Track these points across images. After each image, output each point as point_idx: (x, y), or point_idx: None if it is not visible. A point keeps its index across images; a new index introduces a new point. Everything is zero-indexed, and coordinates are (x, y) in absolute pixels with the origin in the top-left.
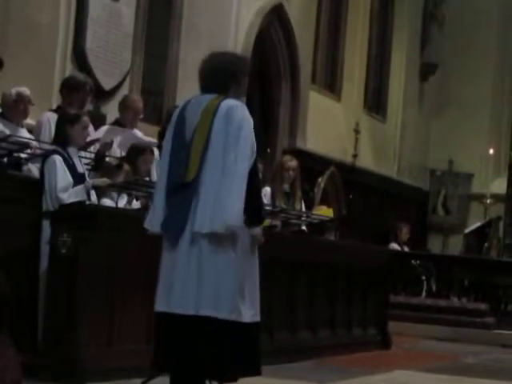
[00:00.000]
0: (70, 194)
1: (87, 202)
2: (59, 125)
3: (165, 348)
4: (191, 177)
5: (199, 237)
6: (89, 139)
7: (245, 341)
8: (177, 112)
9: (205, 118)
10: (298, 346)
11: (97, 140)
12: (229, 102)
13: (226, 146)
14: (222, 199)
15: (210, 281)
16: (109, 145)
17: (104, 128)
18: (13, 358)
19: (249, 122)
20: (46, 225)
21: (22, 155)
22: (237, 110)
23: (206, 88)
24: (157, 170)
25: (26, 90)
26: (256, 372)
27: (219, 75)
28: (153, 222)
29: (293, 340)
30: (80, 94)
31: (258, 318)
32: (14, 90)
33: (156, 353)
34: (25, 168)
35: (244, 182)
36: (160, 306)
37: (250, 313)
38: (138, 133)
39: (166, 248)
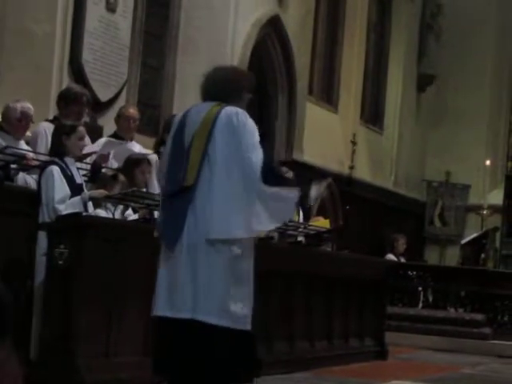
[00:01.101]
0: (67, 206)
1: (84, 214)
2: (55, 136)
3: (162, 352)
4: (190, 182)
5: (195, 243)
6: (86, 150)
7: (238, 347)
8: (177, 119)
9: (205, 124)
10: (296, 356)
11: (94, 152)
12: (229, 109)
13: (227, 155)
14: (220, 209)
15: (204, 286)
16: (105, 157)
17: (102, 140)
18: (15, 367)
19: (250, 128)
20: (43, 236)
21: (13, 166)
22: (237, 117)
23: (207, 99)
24: (158, 180)
25: (30, 109)
26: (247, 379)
27: (222, 87)
28: (157, 228)
29: (290, 351)
30: (77, 106)
31: (249, 327)
32: (18, 106)
33: (155, 357)
34: (17, 178)
35: (247, 199)
36: (158, 310)
37: (242, 320)
38: (136, 146)
39: (162, 253)
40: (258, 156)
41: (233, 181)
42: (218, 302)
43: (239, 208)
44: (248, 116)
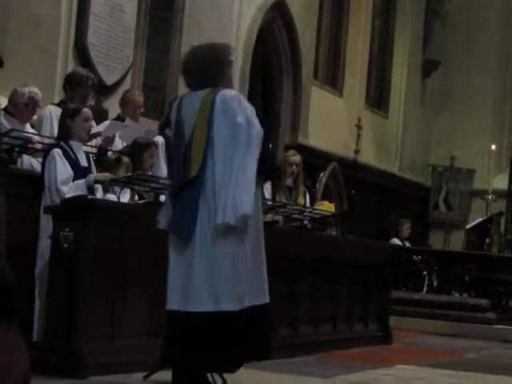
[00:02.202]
0: (71, 188)
1: (89, 197)
2: (60, 120)
3: (170, 343)
4: (193, 174)
5: (209, 232)
6: (91, 131)
7: (244, 329)
8: (174, 111)
9: (202, 114)
10: (300, 341)
11: (99, 134)
12: (223, 94)
13: (228, 140)
14: (231, 193)
15: (226, 277)
16: (110, 140)
17: (106, 123)
18: (23, 351)
19: (245, 109)
20: (46, 219)
21: (17, 149)
22: (232, 101)
23: (194, 83)
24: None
25: (38, 94)
26: (263, 356)
27: (207, 69)
28: (163, 221)
29: (294, 335)
30: (82, 89)
31: (265, 300)
32: (26, 91)
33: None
34: (23, 161)
35: (253, 178)
36: (172, 304)
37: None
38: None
39: (174, 247)
40: (256, 130)
41: (237, 161)
42: (219, 289)
43: (249, 187)
44: (242, 97)
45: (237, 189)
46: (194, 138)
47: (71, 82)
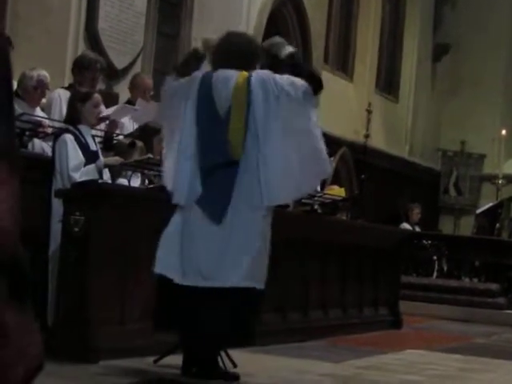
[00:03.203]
0: (82, 173)
1: (99, 181)
2: (70, 103)
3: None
4: (238, 156)
5: (241, 215)
6: (101, 115)
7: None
8: (196, 86)
9: (239, 93)
10: (310, 325)
11: (107, 117)
12: (259, 74)
13: (269, 117)
14: (273, 180)
15: (254, 254)
16: (115, 124)
17: (116, 106)
18: (36, 333)
19: (287, 81)
20: (58, 203)
21: (27, 133)
22: (270, 80)
23: (226, 65)
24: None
25: (46, 77)
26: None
27: (243, 53)
28: (177, 194)
29: (304, 320)
30: (91, 72)
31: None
32: (35, 74)
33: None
34: (34, 145)
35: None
36: (185, 280)
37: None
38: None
39: (200, 220)
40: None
41: (280, 145)
42: (242, 266)
43: (292, 173)
44: (276, 75)
45: (283, 177)
46: (231, 120)
47: (79, 66)
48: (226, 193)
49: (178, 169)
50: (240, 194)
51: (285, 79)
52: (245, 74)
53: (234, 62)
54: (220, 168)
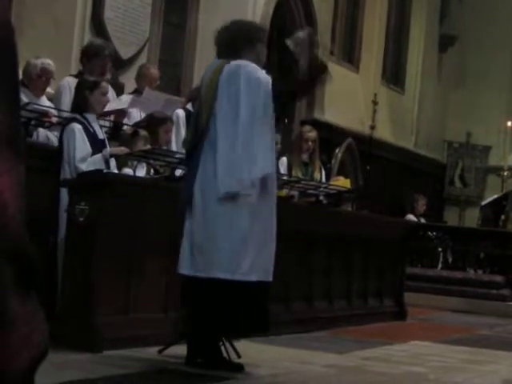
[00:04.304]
0: (89, 164)
1: (105, 171)
2: (78, 91)
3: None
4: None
5: (205, 203)
6: (110, 107)
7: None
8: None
9: (210, 86)
10: (314, 316)
11: (124, 111)
12: (233, 63)
13: (229, 110)
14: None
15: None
16: (123, 113)
17: (123, 98)
18: (41, 322)
19: (247, 78)
20: (65, 193)
21: (33, 123)
22: (239, 69)
23: (220, 54)
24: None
25: (51, 65)
26: (263, 329)
27: (234, 41)
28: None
29: (309, 310)
30: (100, 60)
31: (268, 278)
32: (39, 62)
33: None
34: (39, 135)
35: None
36: (181, 268)
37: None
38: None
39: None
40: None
41: (236, 128)
42: (225, 257)
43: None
44: (257, 67)
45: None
46: (200, 111)
47: (88, 54)
48: (190, 183)
49: None
50: (199, 185)
51: (250, 69)
52: (226, 61)
53: (221, 51)
54: (190, 154)
